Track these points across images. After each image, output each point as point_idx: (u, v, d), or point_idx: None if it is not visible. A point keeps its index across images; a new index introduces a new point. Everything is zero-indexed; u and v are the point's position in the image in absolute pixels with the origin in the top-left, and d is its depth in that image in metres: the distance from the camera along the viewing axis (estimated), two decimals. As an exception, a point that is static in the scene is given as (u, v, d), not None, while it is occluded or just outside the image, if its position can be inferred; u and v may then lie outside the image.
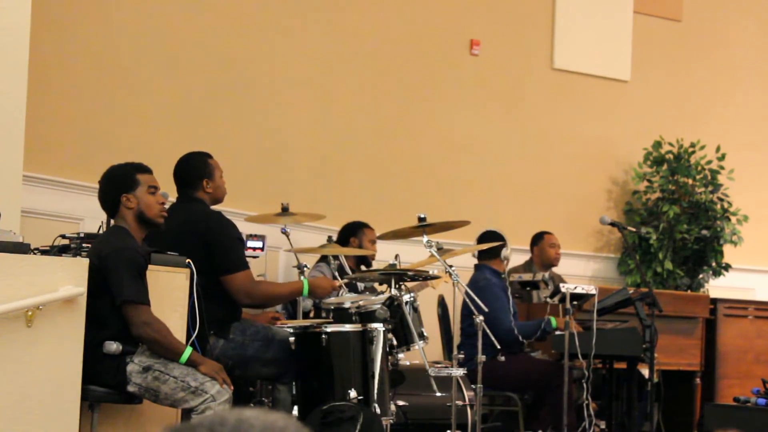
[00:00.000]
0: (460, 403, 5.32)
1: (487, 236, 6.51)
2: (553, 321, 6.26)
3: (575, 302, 6.06)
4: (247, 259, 5.74)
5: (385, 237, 5.55)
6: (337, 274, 6.06)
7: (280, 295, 5.01)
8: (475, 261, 6.66)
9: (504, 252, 6.39)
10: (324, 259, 6.42)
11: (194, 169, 4.83)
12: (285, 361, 4.71)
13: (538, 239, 7.54)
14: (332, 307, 4.93)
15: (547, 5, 8.72)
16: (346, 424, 4.34)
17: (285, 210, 6.22)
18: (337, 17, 7.77)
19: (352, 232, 6.73)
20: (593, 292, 6.04)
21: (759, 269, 9.24)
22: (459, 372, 5.06)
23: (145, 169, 4.28)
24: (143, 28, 6.82)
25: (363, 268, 6.63)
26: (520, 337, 6.25)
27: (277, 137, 7.42)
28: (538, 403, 6.37)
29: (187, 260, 4.31)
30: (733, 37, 9.54)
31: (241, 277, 4.65)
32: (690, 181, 8.68)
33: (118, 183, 4.21)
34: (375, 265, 6.62)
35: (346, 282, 5.52)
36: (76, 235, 4.41)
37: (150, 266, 4.14)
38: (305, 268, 5.75)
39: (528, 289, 7.02)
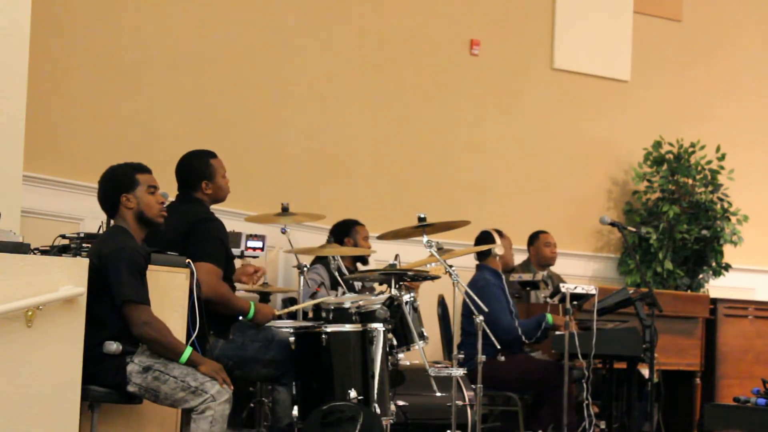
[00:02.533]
0: (460, 403, 5.32)
1: (480, 237, 6.57)
2: (549, 317, 6.27)
3: (575, 302, 6.06)
4: (247, 259, 5.74)
5: (385, 237, 5.55)
6: (336, 274, 6.06)
7: (234, 305, 4.70)
8: (476, 261, 6.69)
9: (494, 251, 6.40)
10: (321, 260, 6.41)
11: (194, 170, 4.81)
12: (285, 362, 4.70)
13: (533, 239, 7.56)
14: (332, 307, 4.93)
15: (547, 5, 8.72)
16: (346, 424, 4.34)
17: (285, 210, 6.22)
18: (337, 17, 7.77)
19: (345, 232, 6.72)
20: (593, 292, 6.05)
21: (759, 269, 9.24)
22: (459, 372, 5.06)
23: (145, 169, 4.28)
24: (144, 28, 6.82)
25: (360, 265, 6.64)
26: (523, 337, 6.26)
27: (277, 137, 7.42)
28: (538, 403, 6.37)
29: (187, 260, 4.30)
30: (733, 38, 9.53)
31: (207, 267, 4.51)
32: (690, 181, 8.68)
33: (117, 183, 4.22)
34: (375, 265, 6.62)
35: (345, 280, 5.52)
36: (76, 235, 4.41)
37: (150, 266, 4.14)
38: (305, 268, 5.75)
39: (528, 289, 7.03)
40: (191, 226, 4.60)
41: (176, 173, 4.86)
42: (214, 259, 4.59)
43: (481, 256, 6.58)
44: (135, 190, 4.21)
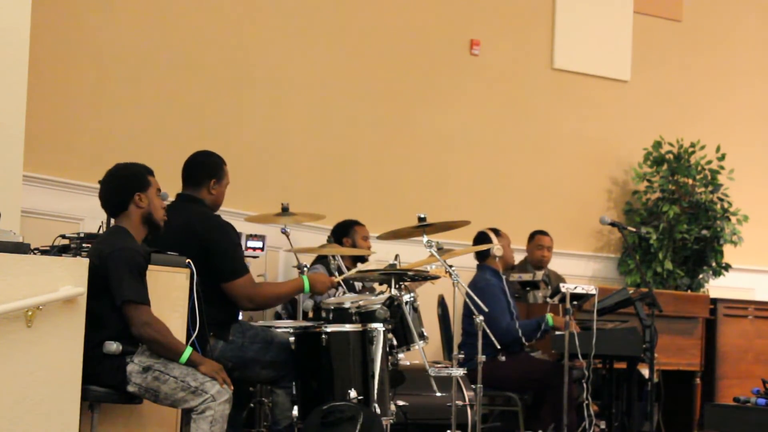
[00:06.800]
0: (460, 403, 5.32)
1: (478, 237, 6.58)
2: (550, 318, 6.27)
3: (575, 302, 6.06)
4: (247, 259, 5.75)
5: (385, 237, 5.55)
6: (336, 274, 6.05)
7: (281, 294, 4.97)
8: (477, 261, 6.69)
9: (492, 251, 6.40)
10: (321, 260, 6.42)
11: (206, 166, 4.80)
12: (284, 363, 4.70)
13: (530, 239, 7.57)
14: (332, 307, 4.93)
15: (547, 5, 8.72)
16: (346, 424, 4.34)
17: (285, 210, 6.22)
18: (338, 17, 7.77)
19: (344, 232, 6.74)
20: (593, 292, 6.05)
21: (759, 269, 9.24)
22: (459, 372, 5.06)
23: (152, 172, 4.29)
24: (144, 28, 6.82)
25: (360, 265, 6.64)
26: (523, 339, 6.26)
27: (277, 137, 7.42)
28: (538, 403, 6.37)
29: (187, 260, 4.30)
30: (733, 37, 9.54)
31: (242, 282, 4.63)
32: (690, 181, 8.68)
33: (133, 181, 4.20)
34: (375, 265, 6.62)
35: (344, 279, 5.52)
36: (76, 235, 4.41)
37: (150, 266, 4.14)
38: (305, 268, 5.75)
39: (528, 289, 7.03)
40: (207, 240, 4.58)
41: (185, 168, 4.83)
42: (243, 269, 4.65)
43: (481, 256, 6.59)
44: (147, 190, 4.21)
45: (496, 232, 6.58)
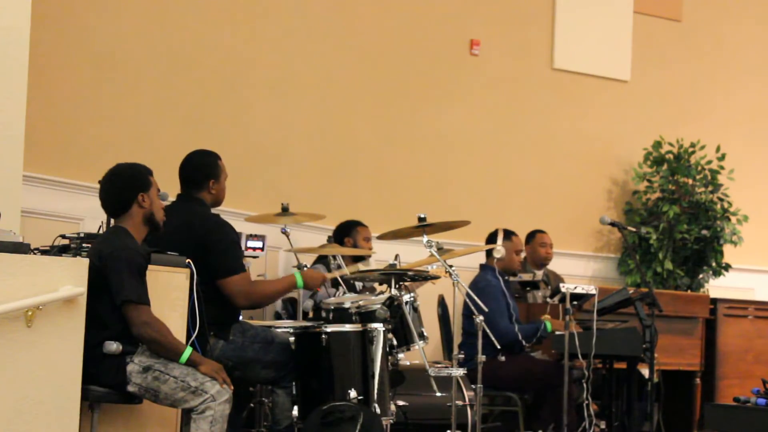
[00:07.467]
0: (460, 403, 5.32)
1: (490, 236, 6.60)
2: (548, 325, 6.27)
3: (575, 302, 6.06)
4: (248, 259, 5.75)
5: (385, 237, 5.55)
6: (337, 274, 6.06)
7: (276, 292, 4.96)
8: (479, 261, 6.70)
9: (493, 253, 6.40)
10: (321, 260, 6.42)
11: (203, 167, 4.81)
12: (284, 363, 4.70)
13: (530, 238, 7.57)
14: (332, 307, 4.93)
15: (547, 5, 8.72)
16: (346, 424, 4.34)
17: (285, 210, 6.22)
18: (337, 17, 7.77)
19: (346, 232, 6.74)
20: (593, 292, 6.05)
21: (759, 269, 9.24)
22: (459, 372, 5.06)
23: (152, 172, 4.30)
24: (143, 28, 6.82)
25: (360, 266, 6.64)
26: (524, 341, 6.27)
27: (278, 137, 7.42)
28: (538, 403, 6.37)
29: (187, 260, 4.30)
30: (733, 37, 9.53)
31: (237, 279, 4.63)
32: (690, 181, 8.68)
33: (137, 181, 4.21)
34: (375, 265, 6.62)
35: (344, 279, 5.52)
36: (76, 235, 4.41)
37: (150, 266, 4.14)
38: (305, 268, 5.75)
39: (528, 289, 7.03)
40: (204, 237, 4.59)
41: (182, 170, 4.84)
42: (239, 267, 4.66)
43: (485, 255, 6.61)
44: (149, 190, 4.21)
45: (507, 234, 6.58)
